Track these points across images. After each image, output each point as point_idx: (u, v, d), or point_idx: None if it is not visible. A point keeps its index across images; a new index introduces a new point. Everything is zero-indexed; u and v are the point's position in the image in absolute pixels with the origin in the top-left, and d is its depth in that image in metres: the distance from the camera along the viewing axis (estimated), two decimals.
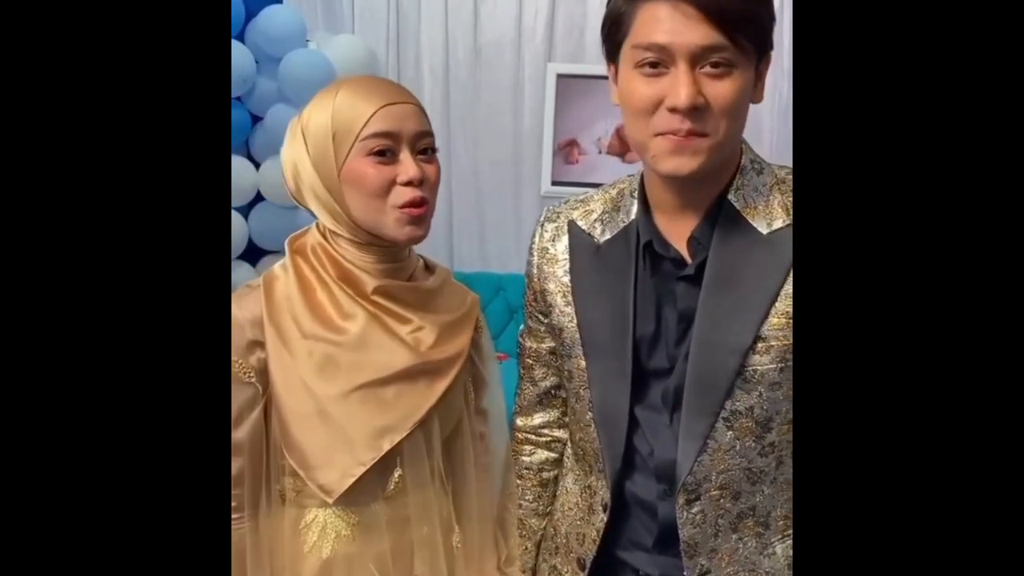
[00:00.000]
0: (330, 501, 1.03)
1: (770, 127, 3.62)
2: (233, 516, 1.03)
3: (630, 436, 1.04)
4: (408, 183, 1.02)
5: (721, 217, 0.98)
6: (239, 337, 1.03)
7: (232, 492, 1.03)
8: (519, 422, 1.23)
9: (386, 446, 1.03)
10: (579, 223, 1.09)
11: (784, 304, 0.95)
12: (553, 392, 1.19)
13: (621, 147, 3.52)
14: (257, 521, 1.06)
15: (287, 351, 1.03)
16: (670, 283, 1.01)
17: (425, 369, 1.07)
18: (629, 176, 1.10)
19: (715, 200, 0.99)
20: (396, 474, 1.06)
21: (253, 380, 1.03)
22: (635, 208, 1.04)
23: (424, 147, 1.06)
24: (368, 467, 1.03)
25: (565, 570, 1.14)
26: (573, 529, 1.14)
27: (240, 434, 1.03)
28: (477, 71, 3.65)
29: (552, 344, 1.15)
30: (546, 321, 1.13)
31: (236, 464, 1.03)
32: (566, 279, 1.09)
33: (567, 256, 1.09)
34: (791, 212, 0.97)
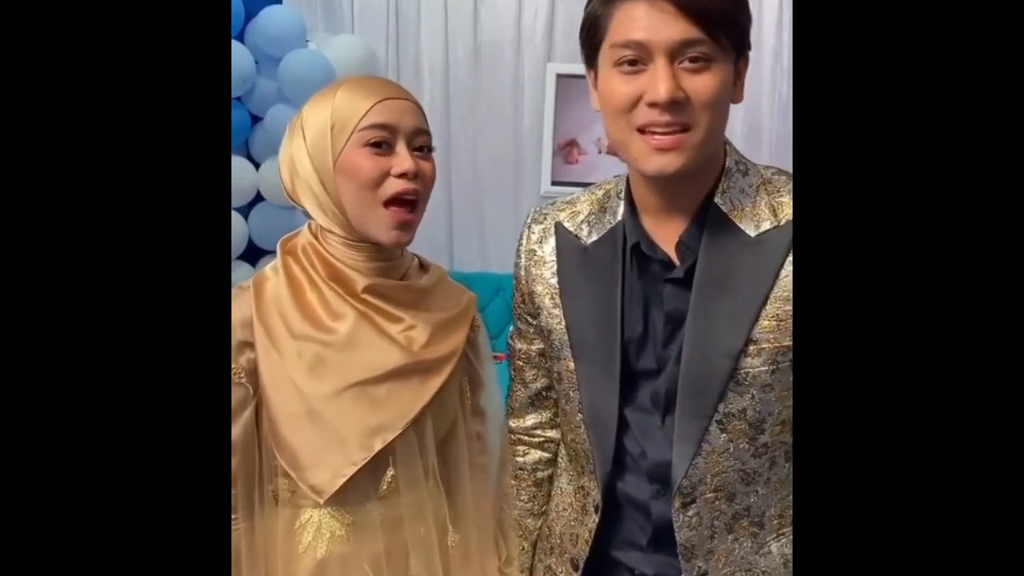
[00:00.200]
0: (321, 501, 1.03)
1: (770, 127, 3.62)
2: None
3: (620, 437, 1.04)
4: (402, 175, 1.02)
5: (709, 221, 0.98)
6: None
7: None
8: (512, 424, 1.23)
9: (378, 445, 1.03)
10: (566, 225, 1.10)
11: (774, 307, 0.96)
12: (544, 393, 1.19)
13: None
14: (251, 522, 1.06)
15: (276, 351, 1.03)
16: (657, 285, 1.01)
17: (418, 368, 1.06)
18: (615, 177, 1.10)
19: (702, 203, 0.99)
20: (389, 474, 1.06)
21: (243, 381, 1.04)
22: (621, 209, 1.05)
23: (421, 144, 1.06)
24: (360, 467, 1.02)
25: (560, 570, 1.15)
26: (567, 529, 1.14)
27: (232, 435, 1.03)
28: (477, 71, 3.65)
29: (542, 346, 1.15)
30: (535, 323, 1.13)
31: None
32: (554, 281, 1.09)
33: (554, 258, 1.10)
34: (778, 213, 0.97)
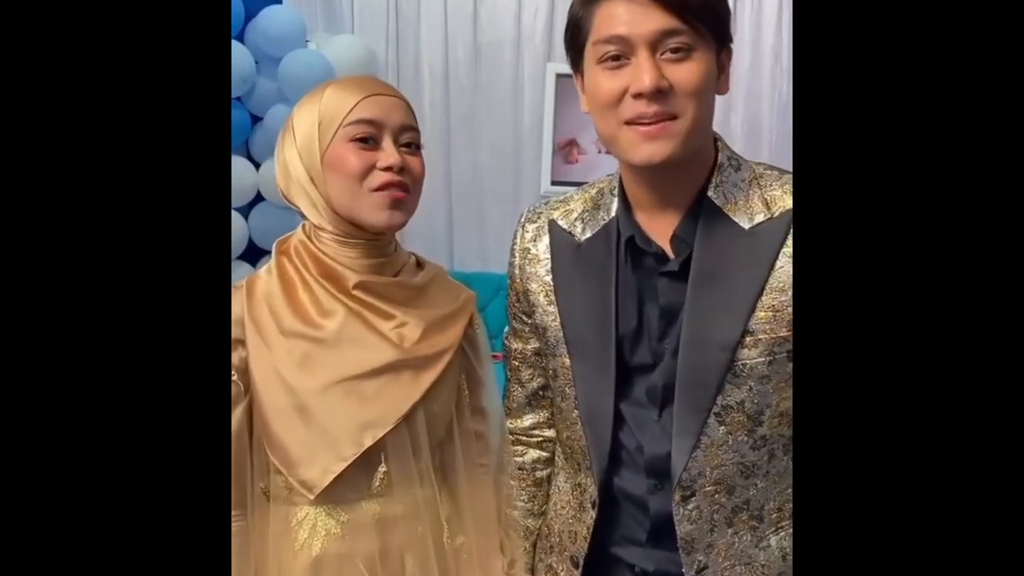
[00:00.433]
0: (311, 497, 1.03)
1: (770, 127, 3.62)
2: None
3: (616, 432, 1.05)
4: (387, 168, 1.03)
5: (702, 214, 0.99)
6: None
7: None
8: (509, 424, 1.23)
9: (368, 441, 1.03)
10: (560, 222, 1.11)
11: (769, 298, 0.96)
12: (541, 393, 1.19)
13: None
14: (243, 520, 1.06)
15: (266, 348, 1.03)
16: (652, 278, 1.02)
17: (409, 364, 1.06)
18: (609, 175, 1.11)
19: (695, 197, 1.00)
20: (381, 470, 1.05)
21: (235, 378, 1.04)
22: (615, 206, 1.06)
23: (408, 140, 1.06)
24: (350, 462, 1.02)
25: (560, 569, 1.15)
26: (565, 527, 1.14)
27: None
28: (477, 71, 3.65)
29: (537, 345, 1.15)
30: (530, 321, 1.14)
31: None
32: (548, 278, 1.10)
33: (548, 255, 1.10)
34: (771, 206, 0.99)
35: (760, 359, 0.97)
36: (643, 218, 1.03)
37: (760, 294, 0.96)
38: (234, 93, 2.87)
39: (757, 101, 3.61)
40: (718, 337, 0.97)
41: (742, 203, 0.99)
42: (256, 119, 3.03)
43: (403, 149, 1.05)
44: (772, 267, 0.96)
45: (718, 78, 0.98)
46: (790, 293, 0.96)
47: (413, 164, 1.06)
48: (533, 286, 1.11)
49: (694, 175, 1.00)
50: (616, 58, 0.93)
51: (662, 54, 0.92)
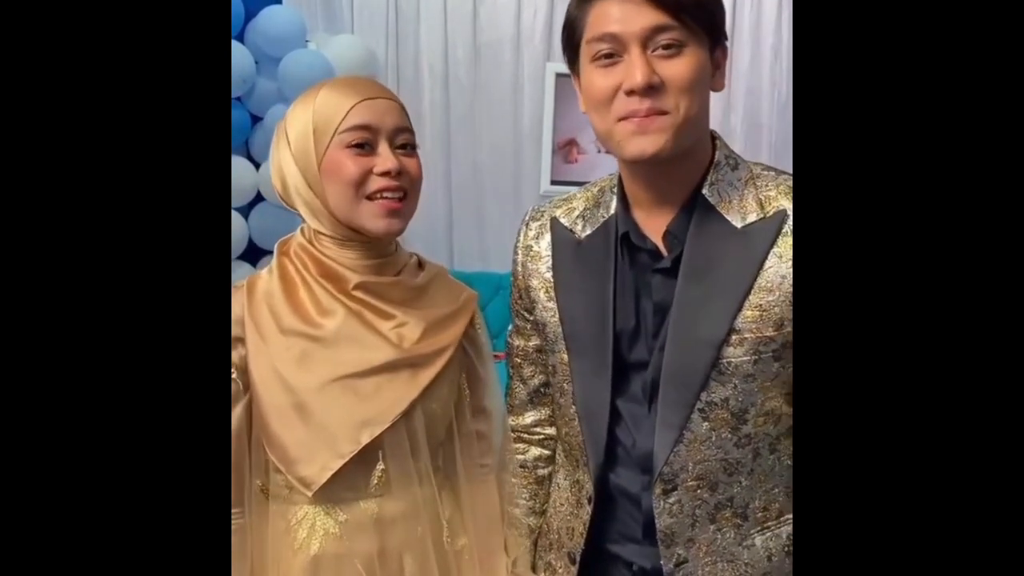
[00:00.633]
0: (309, 494, 1.03)
1: (769, 126, 3.62)
2: None
3: (612, 429, 1.05)
4: (385, 173, 1.03)
5: (696, 211, 1.00)
6: None
7: None
8: (511, 421, 1.24)
9: (365, 439, 1.03)
10: (562, 220, 1.12)
11: (758, 297, 0.97)
12: (543, 390, 1.20)
13: None
14: (243, 518, 1.06)
15: (265, 346, 1.04)
16: (647, 275, 1.03)
17: (408, 363, 1.06)
18: (611, 175, 1.11)
19: (690, 195, 1.01)
20: (379, 468, 1.05)
21: (234, 377, 1.04)
22: (614, 203, 1.06)
23: (403, 142, 1.06)
24: (347, 459, 1.02)
25: (558, 565, 1.15)
26: (563, 524, 1.15)
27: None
28: (476, 71, 3.65)
29: (539, 342, 1.16)
30: (531, 318, 1.15)
31: None
32: (548, 275, 1.10)
33: (550, 253, 1.11)
34: (765, 206, 0.99)
35: (745, 357, 0.97)
36: (640, 215, 1.04)
37: (748, 293, 0.97)
38: (234, 93, 2.88)
39: (757, 100, 3.60)
40: (704, 334, 0.98)
41: (736, 202, 0.99)
42: (256, 119, 3.03)
43: (399, 151, 1.05)
44: (761, 266, 0.97)
45: (713, 75, 0.98)
46: (778, 293, 0.96)
47: (410, 166, 1.06)
48: (534, 283, 1.12)
49: (690, 172, 1.01)
50: (609, 56, 0.94)
51: (653, 51, 0.93)
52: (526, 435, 1.23)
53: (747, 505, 1.03)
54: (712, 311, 0.97)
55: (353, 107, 1.03)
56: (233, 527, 1.05)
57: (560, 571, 1.15)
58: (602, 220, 1.07)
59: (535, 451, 1.22)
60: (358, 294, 1.06)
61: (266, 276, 1.09)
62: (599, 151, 3.56)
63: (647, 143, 0.94)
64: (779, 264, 0.96)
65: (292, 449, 1.03)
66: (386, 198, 1.03)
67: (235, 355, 1.04)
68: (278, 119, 1.11)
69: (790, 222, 0.97)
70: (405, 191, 1.05)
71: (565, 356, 1.08)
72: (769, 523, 1.05)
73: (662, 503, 1.02)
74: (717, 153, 1.02)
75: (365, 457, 1.04)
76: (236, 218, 2.97)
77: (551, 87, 3.57)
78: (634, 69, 0.92)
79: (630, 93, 0.93)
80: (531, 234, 1.15)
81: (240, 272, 2.93)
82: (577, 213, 1.11)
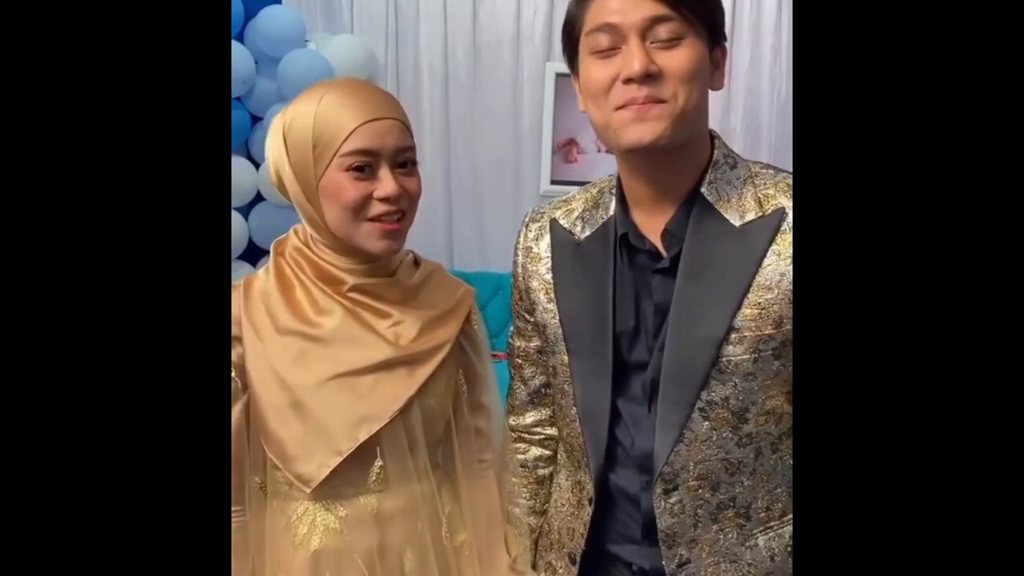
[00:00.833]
0: (307, 491, 1.03)
1: (769, 126, 3.62)
2: None
3: (612, 429, 1.06)
4: (385, 199, 1.02)
5: (695, 210, 1.00)
6: None
7: None
8: (512, 421, 1.24)
9: (363, 435, 1.03)
10: (561, 221, 1.12)
11: (756, 295, 0.97)
12: (543, 391, 1.20)
13: None
14: (243, 516, 1.07)
15: (262, 345, 1.04)
16: (646, 276, 1.03)
17: (404, 360, 1.07)
18: (610, 175, 1.11)
19: (689, 194, 1.01)
20: (377, 465, 1.06)
21: (232, 376, 1.04)
22: (613, 204, 1.06)
23: (404, 160, 1.05)
24: (345, 456, 1.03)
25: (559, 565, 1.16)
26: (564, 524, 1.15)
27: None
28: (476, 71, 3.65)
29: (539, 343, 1.16)
30: (532, 319, 1.15)
31: None
32: (548, 276, 1.11)
33: (549, 254, 1.11)
34: (763, 205, 0.99)
35: (745, 356, 0.97)
36: (639, 215, 1.04)
37: (747, 291, 0.97)
38: (234, 93, 2.88)
39: (756, 100, 3.60)
40: (703, 332, 0.97)
41: (735, 200, 0.99)
42: (256, 119, 3.03)
43: (399, 171, 1.04)
44: (760, 265, 0.97)
45: (712, 74, 0.99)
46: (776, 291, 0.96)
47: (410, 186, 1.05)
48: (534, 284, 1.12)
49: (688, 171, 1.01)
50: (608, 47, 0.95)
51: (652, 42, 0.94)
52: (527, 435, 1.23)
53: (749, 505, 1.03)
54: (711, 309, 0.97)
55: (355, 129, 1.01)
56: (234, 525, 1.05)
57: (560, 571, 1.15)
58: (601, 221, 1.07)
59: (536, 451, 1.23)
60: (354, 295, 1.06)
61: (263, 276, 1.09)
62: (599, 151, 3.56)
63: (645, 130, 0.94)
64: (778, 262, 0.96)
65: (290, 447, 1.03)
66: (385, 221, 1.03)
67: (233, 354, 1.04)
68: None
69: (789, 220, 0.97)
70: (404, 211, 1.05)
71: (565, 357, 1.08)
72: (772, 523, 1.05)
73: (663, 503, 1.02)
74: (716, 152, 1.02)
75: (363, 454, 1.04)
76: (236, 218, 2.98)
77: (551, 87, 3.57)
78: (632, 58, 0.93)
79: (628, 81, 0.93)
80: (531, 235, 1.15)
81: (240, 272, 2.93)
82: (576, 214, 1.11)
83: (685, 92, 0.94)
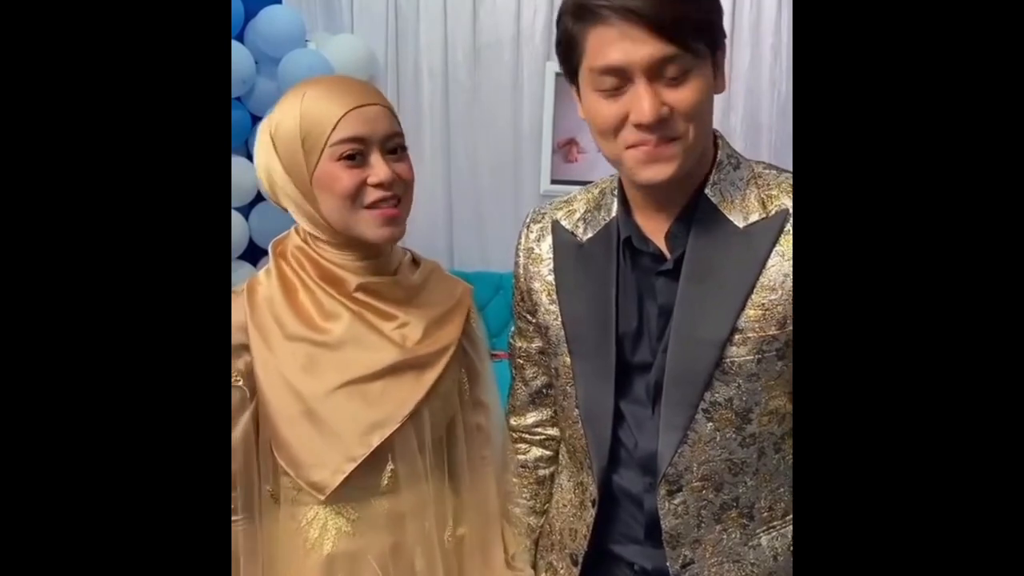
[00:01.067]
0: (322, 499, 1.03)
1: (769, 125, 3.62)
2: None
3: (615, 431, 1.05)
4: (379, 184, 1.02)
5: (698, 212, 1.00)
6: None
7: None
8: (513, 422, 1.24)
9: (375, 441, 1.03)
10: (563, 223, 1.11)
11: (760, 296, 0.96)
12: (545, 391, 1.20)
13: None
14: (251, 523, 1.06)
15: (271, 353, 1.04)
16: (650, 278, 1.02)
17: (412, 363, 1.07)
18: (611, 175, 1.11)
19: (693, 195, 1.00)
20: (388, 468, 1.06)
21: (240, 383, 1.04)
22: (615, 206, 1.06)
23: (394, 146, 1.06)
24: (358, 463, 1.03)
25: (560, 566, 1.16)
26: (566, 525, 1.15)
27: (232, 438, 1.03)
28: (476, 71, 3.65)
29: (541, 344, 1.16)
30: (533, 320, 1.15)
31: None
32: (550, 278, 1.10)
33: (551, 255, 1.11)
34: (767, 205, 0.98)
35: (749, 357, 0.97)
36: (641, 217, 1.04)
37: (750, 292, 0.96)
38: (234, 93, 2.88)
39: (757, 99, 3.60)
40: (707, 334, 0.97)
41: (738, 201, 0.99)
42: (256, 119, 3.03)
43: (390, 156, 1.05)
44: (764, 266, 0.96)
45: (715, 78, 0.97)
46: (780, 292, 0.96)
47: (402, 171, 1.05)
48: (536, 285, 1.12)
49: (693, 174, 1.00)
50: (614, 88, 0.92)
51: (659, 80, 0.90)
52: (527, 435, 1.23)
53: (753, 505, 1.03)
54: (715, 311, 0.97)
55: (342, 117, 1.01)
56: (243, 532, 1.05)
57: (562, 572, 1.15)
58: (603, 223, 1.07)
59: (536, 451, 1.23)
60: (360, 296, 1.06)
61: (264, 280, 1.09)
62: (599, 150, 3.55)
63: (659, 171, 0.93)
64: (782, 263, 0.96)
65: (303, 454, 1.03)
66: (383, 207, 1.03)
67: (240, 362, 1.04)
68: None
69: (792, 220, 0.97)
70: (399, 197, 1.05)
71: (568, 359, 1.08)
72: (775, 523, 1.05)
73: (667, 504, 1.02)
74: (720, 152, 1.02)
75: (375, 458, 1.05)
76: (236, 218, 2.97)
77: (551, 87, 3.57)
78: (642, 103, 0.90)
79: (638, 126, 0.91)
80: (532, 236, 1.15)
81: (240, 272, 2.93)
82: (578, 215, 1.10)
83: (696, 126, 0.93)
